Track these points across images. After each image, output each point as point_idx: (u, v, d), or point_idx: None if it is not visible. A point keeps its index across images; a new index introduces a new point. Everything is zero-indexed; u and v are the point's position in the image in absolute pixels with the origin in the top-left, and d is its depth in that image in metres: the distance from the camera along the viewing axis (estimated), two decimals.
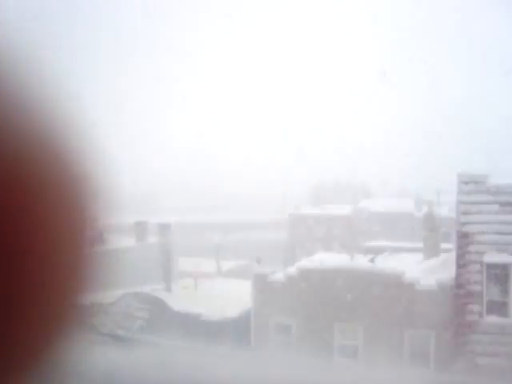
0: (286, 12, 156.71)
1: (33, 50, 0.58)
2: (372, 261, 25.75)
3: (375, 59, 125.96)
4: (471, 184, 19.49)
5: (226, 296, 25.50)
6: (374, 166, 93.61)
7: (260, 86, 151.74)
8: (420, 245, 26.72)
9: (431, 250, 24.85)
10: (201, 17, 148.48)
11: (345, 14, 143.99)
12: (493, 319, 19.09)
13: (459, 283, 19.52)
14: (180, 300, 25.25)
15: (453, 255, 20.82)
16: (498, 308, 19.18)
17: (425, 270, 22.69)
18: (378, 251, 29.12)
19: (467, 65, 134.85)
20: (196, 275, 29.99)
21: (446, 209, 44.04)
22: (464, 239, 19.49)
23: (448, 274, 20.28)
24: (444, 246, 25.79)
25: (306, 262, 26.09)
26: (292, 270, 23.09)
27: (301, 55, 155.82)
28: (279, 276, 22.74)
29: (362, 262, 25.63)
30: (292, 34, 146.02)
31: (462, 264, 19.52)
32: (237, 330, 20.80)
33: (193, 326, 22.93)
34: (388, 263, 24.77)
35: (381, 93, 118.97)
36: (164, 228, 28.99)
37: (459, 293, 19.49)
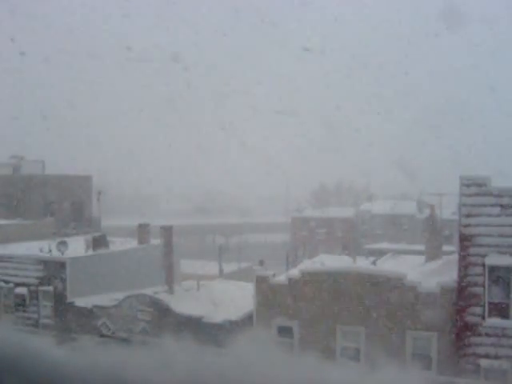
0: None
1: None
2: (374, 263, 25.80)
3: None
4: (473, 186, 19.51)
5: (229, 298, 25.56)
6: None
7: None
8: (422, 247, 26.76)
9: (433, 253, 24.86)
10: None
11: None
12: (494, 321, 19.08)
13: (461, 285, 19.53)
14: (182, 302, 25.29)
15: (455, 257, 20.82)
16: (499, 310, 19.17)
17: (427, 272, 22.71)
18: (380, 253, 29.18)
19: None
20: (198, 277, 30.04)
21: (449, 211, 44.04)
22: (466, 241, 19.50)
23: (450, 276, 20.29)
24: (446, 248, 25.81)
25: (308, 265, 26.15)
26: (294, 272, 23.13)
27: None
28: (281, 278, 22.78)
29: (364, 264, 25.67)
30: None
31: (463, 266, 19.52)
32: (239, 332, 20.80)
33: (195, 328, 22.97)
34: (390, 265, 24.80)
35: None
36: (166, 230, 29.02)
37: (461, 295, 19.51)
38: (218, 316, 23.35)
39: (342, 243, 49.69)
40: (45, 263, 28.27)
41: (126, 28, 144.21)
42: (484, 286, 19.23)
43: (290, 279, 22.23)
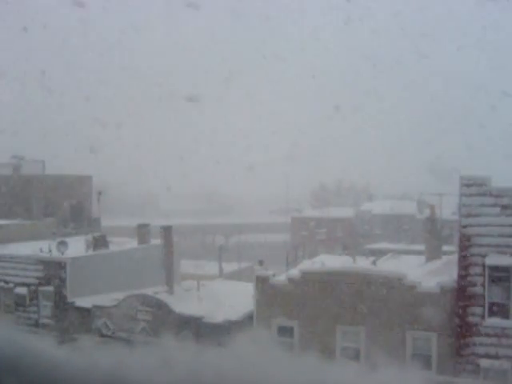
0: None
1: None
2: (374, 263, 25.78)
3: None
4: (473, 187, 19.52)
5: (229, 298, 25.56)
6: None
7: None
8: (422, 247, 26.75)
9: (433, 253, 24.86)
10: None
11: None
12: (494, 321, 19.10)
13: (461, 285, 19.54)
14: (182, 302, 25.29)
15: (455, 257, 20.83)
16: (499, 310, 19.18)
17: (427, 272, 22.71)
18: (380, 253, 29.17)
19: None
20: (198, 277, 30.04)
21: (449, 211, 43.99)
22: (466, 241, 19.51)
23: (450, 276, 20.30)
24: (446, 248, 25.79)
25: (308, 265, 26.14)
26: (294, 272, 23.13)
27: None
28: (281, 278, 22.78)
29: (364, 264, 25.66)
30: None
31: (463, 266, 19.53)
32: (239, 332, 20.80)
33: (195, 328, 22.97)
34: (390, 265, 24.80)
35: None
36: (166, 230, 29.02)
37: (461, 295, 19.51)
38: (218, 316, 23.34)
39: (342, 243, 49.64)
40: (45, 263, 28.27)
41: (122, 24, 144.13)
42: (484, 286, 19.24)
43: (289, 279, 22.24)
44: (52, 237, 32.14)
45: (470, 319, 19.38)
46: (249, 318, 22.67)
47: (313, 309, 21.44)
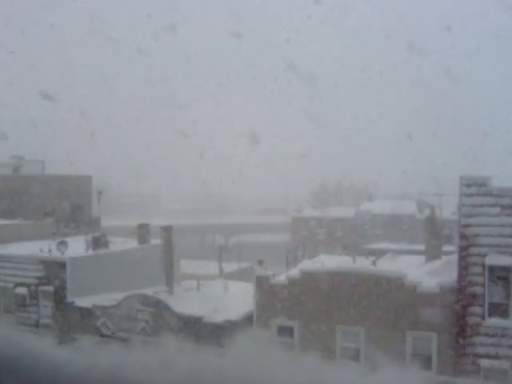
0: None
1: None
2: (374, 263, 25.78)
3: None
4: (473, 186, 19.52)
5: (229, 298, 25.56)
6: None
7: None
8: (422, 247, 26.75)
9: (433, 253, 24.87)
10: None
11: None
12: (494, 321, 19.09)
13: (461, 285, 19.54)
14: (182, 302, 25.28)
15: (455, 257, 20.83)
16: (499, 310, 19.18)
17: (427, 272, 22.71)
18: (380, 253, 29.17)
19: None
20: (198, 277, 30.05)
21: (449, 211, 44.05)
22: (466, 241, 19.50)
23: (450, 276, 20.30)
24: (446, 248, 25.80)
25: (308, 265, 26.14)
26: (294, 272, 23.13)
27: None
28: (281, 278, 22.78)
29: (364, 264, 25.65)
30: None
31: (463, 266, 19.53)
32: (239, 332, 20.80)
33: (195, 328, 22.97)
34: (390, 265, 24.80)
35: None
36: (166, 230, 29.01)
37: (461, 295, 19.51)
38: (218, 316, 23.34)
39: (342, 243, 49.67)
40: (45, 263, 28.25)
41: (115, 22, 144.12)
42: (484, 286, 19.23)
43: (289, 279, 22.23)
44: (52, 237, 32.14)
45: (470, 319, 19.38)
46: (249, 318, 22.66)
47: (313, 309, 21.43)
